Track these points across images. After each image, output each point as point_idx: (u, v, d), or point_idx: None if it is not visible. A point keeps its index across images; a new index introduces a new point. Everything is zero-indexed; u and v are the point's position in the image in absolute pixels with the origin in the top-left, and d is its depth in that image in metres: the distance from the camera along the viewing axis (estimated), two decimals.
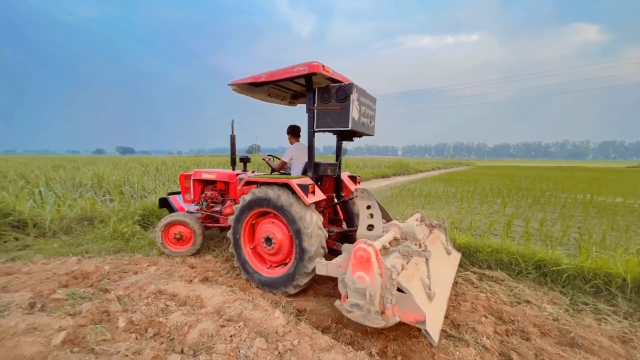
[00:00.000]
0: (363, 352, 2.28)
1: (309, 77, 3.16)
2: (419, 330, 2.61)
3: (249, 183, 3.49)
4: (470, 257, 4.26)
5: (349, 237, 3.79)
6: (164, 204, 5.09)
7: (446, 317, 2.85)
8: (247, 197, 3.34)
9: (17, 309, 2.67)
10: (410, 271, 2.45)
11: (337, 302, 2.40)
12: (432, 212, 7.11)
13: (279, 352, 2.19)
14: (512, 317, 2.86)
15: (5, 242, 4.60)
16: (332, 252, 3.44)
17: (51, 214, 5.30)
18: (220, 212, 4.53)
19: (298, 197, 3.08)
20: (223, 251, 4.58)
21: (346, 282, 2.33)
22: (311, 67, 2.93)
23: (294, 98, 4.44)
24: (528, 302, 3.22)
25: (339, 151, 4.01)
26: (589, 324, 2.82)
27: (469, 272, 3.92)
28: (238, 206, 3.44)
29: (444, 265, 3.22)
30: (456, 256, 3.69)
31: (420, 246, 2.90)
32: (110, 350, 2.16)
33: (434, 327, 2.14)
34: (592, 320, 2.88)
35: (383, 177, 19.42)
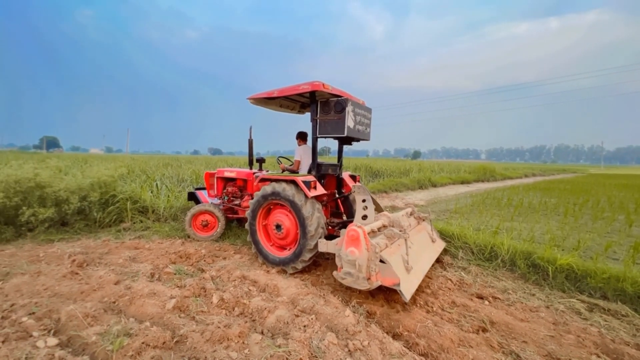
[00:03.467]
0: None
1: (312, 93, 3.74)
2: (504, 353, 2.35)
3: (263, 180, 4.12)
4: (576, 282, 3.56)
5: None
6: (192, 197, 5.78)
7: (541, 347, 2.47)
8: (261, 192, 3.91)
9: (143, 277, 3.38)
10: (392, 249, 3.11)
11: (335, 272, 3.01)
12: (525, 226, 6.17)
13: (349, 350, 2.24)
14: None
15: (134, 223, 5.83)
16: (334, 239, 3.70)
17: (164, 203, 6.49)
18: (239, 205, 5.12)
19: (302, 191, 3.63)
20: None
21: (341, 255, 2.94)
22: (313, 86, 3.54)
23: (302, 107, 5.03)
24: None
25: (340, 154, 4.58)
26: None
27: (573, 300, 3.28)
28: (255, 198, 3.98)
29: (427, 249, 3.92)
30: (440, 244, 4.43)
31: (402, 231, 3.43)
32: (206, 321, 2.54)
33: (407, 289, 2.82)
34: None
35: (462, 182, 17.68)
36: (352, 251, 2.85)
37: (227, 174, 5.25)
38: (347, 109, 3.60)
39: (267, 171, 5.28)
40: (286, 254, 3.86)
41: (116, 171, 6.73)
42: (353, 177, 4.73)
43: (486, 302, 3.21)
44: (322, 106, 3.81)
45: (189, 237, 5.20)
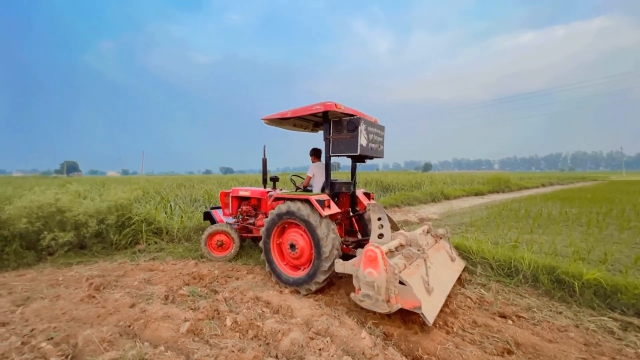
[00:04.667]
0: None
1: (325, 112, 3.76)
2: None
3: (277, 199, 4.12)
4: (606, 299, 3.36)
5: (363, 246, 4.43)
6: (207, 216, 5.85)
7: None
8: (276, 211, 3.92)
9: (157, 299, 3.39)
10: (412, 270, 3.00)
11: (352, 294, 2.96)
12: (546, 238, 5.92)
13: None
14: None
15: (149, 244, 5.92)
16: (349, 258, 3.66)
17: (177, 224, 6.59)
18: (254, 224, 5.17)
19: (316, 210, 3.61)
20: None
21: (359, 276, 2.88)
22: (326, 106, 3.59)
23: (315, 126, 5.09)
24: None
25: (353, 171, 4.55)
26: None
27: (605, 318, 3.08)
28: (269, 217, 4.00)
29: (447, 269, 3.78)
30: (460, 263, 4.25)
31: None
32: (220, 345, 2.51)
33: (430, 312, 2.74)
34: None
35: (476, 194, 17.28)
36: (370, 272, 2.77)
37: (242, 193, 5.35)
38: (359, 127, 3.65)
39: (282, 190, 5.36)
40: (300, 274, 3.82)
41: (132, 194, 6.91)
42: (367, 195, 4.70)
43: (510, 322, 3.06)
44: (334, 125, 3.86)
45: (202, 257, 5.22)
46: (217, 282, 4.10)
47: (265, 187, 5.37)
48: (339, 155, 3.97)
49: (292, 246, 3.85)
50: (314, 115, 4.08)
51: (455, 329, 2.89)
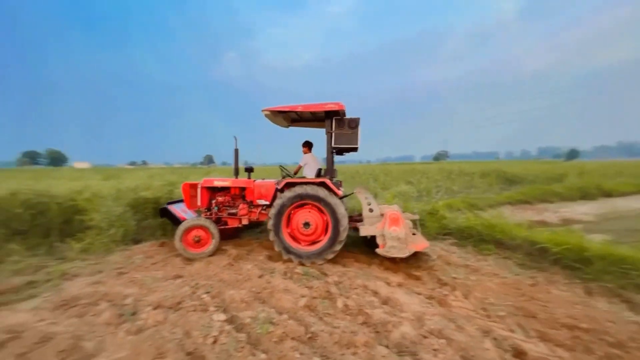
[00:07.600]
0: None
1: (329, 111, 4.38)
2: None
3: (289, 184, 4.53)
4: None
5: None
6: (165, 213, 5.22)
7: None
8: (290, 194, 4.41)
9: (278, 274, 3.90)
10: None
11: (378, 250, 4.12)
12: None
13: None
14: None
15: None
16: None
17: None
18: (235, 214, 5.14)
19: (331, 191, 4.39)
20: (417, 260, 4.57)
21: (385, 234, 4.08)
22: (339, 106, 4.22)
23: (292, 122, 5.51)
24: None
25: (332, 162, 4.87)
26: None
27: None
28: (281, 200, 4.42)
29: None
30: None
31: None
32: (333, 324, 2.69)
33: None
34: None
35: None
36: (395, 229, 4.03)
37: (218, 184, 5.17)
38: (359, 126, 4.37)
39: (264, 179, 5.58)
40: (314, 247, 4.42)
41: None
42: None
43: None
44: (336, 122, 4.44)
45: None
46: (326, 265, 4.39)
47: (236, 177, 5.28)
48: (339, 148, 4.56)
49: (307, 224, 4.45)
50: (312, 113, 4.61)
51: None
